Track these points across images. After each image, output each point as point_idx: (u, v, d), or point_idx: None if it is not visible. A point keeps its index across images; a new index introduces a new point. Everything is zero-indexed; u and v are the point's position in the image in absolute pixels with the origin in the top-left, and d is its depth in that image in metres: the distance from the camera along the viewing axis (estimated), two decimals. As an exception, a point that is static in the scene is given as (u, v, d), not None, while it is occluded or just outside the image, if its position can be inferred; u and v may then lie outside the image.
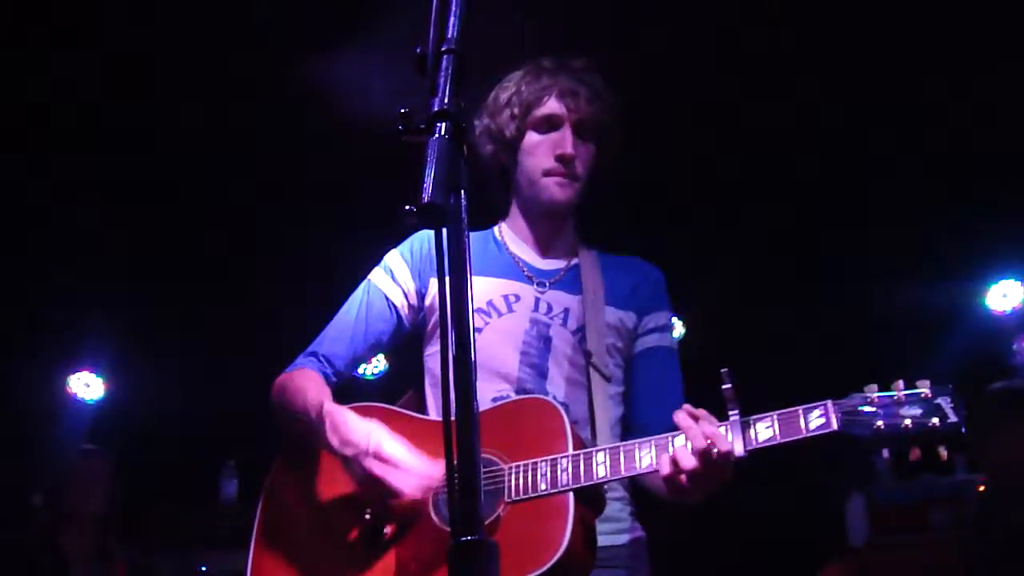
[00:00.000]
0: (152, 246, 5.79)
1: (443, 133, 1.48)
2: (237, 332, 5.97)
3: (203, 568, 6.15)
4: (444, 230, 1.50)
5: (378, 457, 2.25)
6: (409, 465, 2.25)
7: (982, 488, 5.41)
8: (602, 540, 2.30)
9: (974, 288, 6.36)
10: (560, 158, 2.57)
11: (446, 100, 1.52)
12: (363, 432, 2.30)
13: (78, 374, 6.76)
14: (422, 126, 1.51)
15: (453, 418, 1.46)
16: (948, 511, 5.50)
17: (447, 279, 1.50)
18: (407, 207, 1.44)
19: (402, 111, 1.53)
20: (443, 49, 1.57)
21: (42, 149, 5.29)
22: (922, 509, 5.60)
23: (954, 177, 5.48)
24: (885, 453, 2.04)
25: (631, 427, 2.60)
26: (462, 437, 1.47)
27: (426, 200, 1.40)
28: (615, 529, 2.48)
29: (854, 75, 5.01)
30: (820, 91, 5.11)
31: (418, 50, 1.59)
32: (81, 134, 5.21)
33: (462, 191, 1.51)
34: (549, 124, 2.61)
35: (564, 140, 2.58)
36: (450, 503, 1.48)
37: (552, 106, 2.60)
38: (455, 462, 1.46)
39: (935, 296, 5.87)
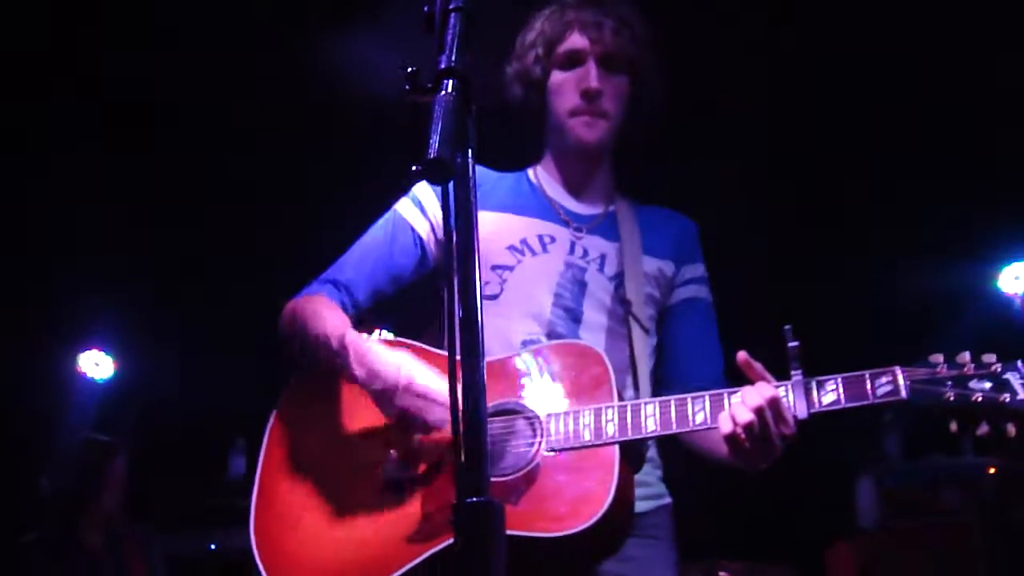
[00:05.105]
0: (162, 223, 5.77)
1: (450, 90, 1.46)
2: (248, 309, 5.95)
3: (212, 547, 6.15)
4: (451, 186, 1.47)
5: (411, 391, 2.12)
6: (445, 398, 2.08)
7: (993, 470, 5.41)
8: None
9: (986, 270, 6.33)
10: (585, 93, 2.43)
11: (453, 58, 1.50)
12: (393, 365, 2.16)
13: (88, 353, 6.77)
14: (429, 84, 1.49)
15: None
16: (958, 492, 5.48)
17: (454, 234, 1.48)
18: (413, 166, 1.42)
19: (409, 70, 1.50)
20: (451, 7, 1.56)
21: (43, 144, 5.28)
22: (931, 490, 5.58)
23: (968, 158, 5.44)
24: (953, 426, 1.93)
25: (665, 380, 2.47)
26: (469, 401, 1.44)
27: (432, 155, 1.38)
28: (644, 495, 2.29)
29: (873, 53, 4.96)
30: (839, 67, 5.06)
31: (426, 9, 1.57)
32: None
33: (469, 150, 1.49)
34: (573, 60, 2.47)
35: (588, 74, 2.44)
36: (455, 467, 1.44)
37: (574, 40, 2.47)
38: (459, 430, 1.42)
39: (947, 278, 5.84)
